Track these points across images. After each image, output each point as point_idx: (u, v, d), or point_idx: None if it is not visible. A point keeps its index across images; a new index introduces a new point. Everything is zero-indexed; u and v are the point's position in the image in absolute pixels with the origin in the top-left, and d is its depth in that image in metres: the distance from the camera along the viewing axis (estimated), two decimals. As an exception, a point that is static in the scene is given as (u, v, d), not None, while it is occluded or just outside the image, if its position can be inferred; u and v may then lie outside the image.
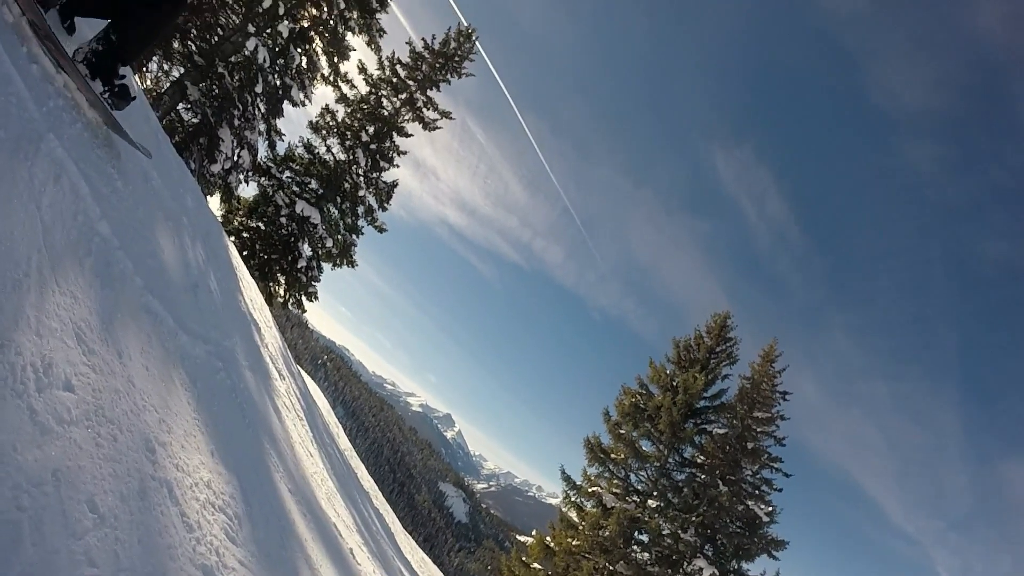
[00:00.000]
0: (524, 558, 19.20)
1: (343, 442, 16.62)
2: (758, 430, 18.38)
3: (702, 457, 18.50)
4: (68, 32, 3.29)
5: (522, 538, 21.45)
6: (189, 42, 15.49)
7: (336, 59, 18.79)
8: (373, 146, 20.26)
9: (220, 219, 19.06)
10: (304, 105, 18.65)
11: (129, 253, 3.20)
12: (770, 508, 17.76)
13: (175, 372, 2.91)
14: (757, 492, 18.14)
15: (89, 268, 2.44)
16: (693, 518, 17.23)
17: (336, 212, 20.05)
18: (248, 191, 20.90)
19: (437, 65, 20.55)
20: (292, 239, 19.39)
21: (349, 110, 20.46)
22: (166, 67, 16.18)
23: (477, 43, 20.88)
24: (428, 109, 20.79)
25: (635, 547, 18.05)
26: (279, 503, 3.64)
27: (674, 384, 19.00)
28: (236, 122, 16.64)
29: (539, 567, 18.80)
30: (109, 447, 1.84)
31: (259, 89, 16.64)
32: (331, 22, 17.57)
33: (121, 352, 2.32)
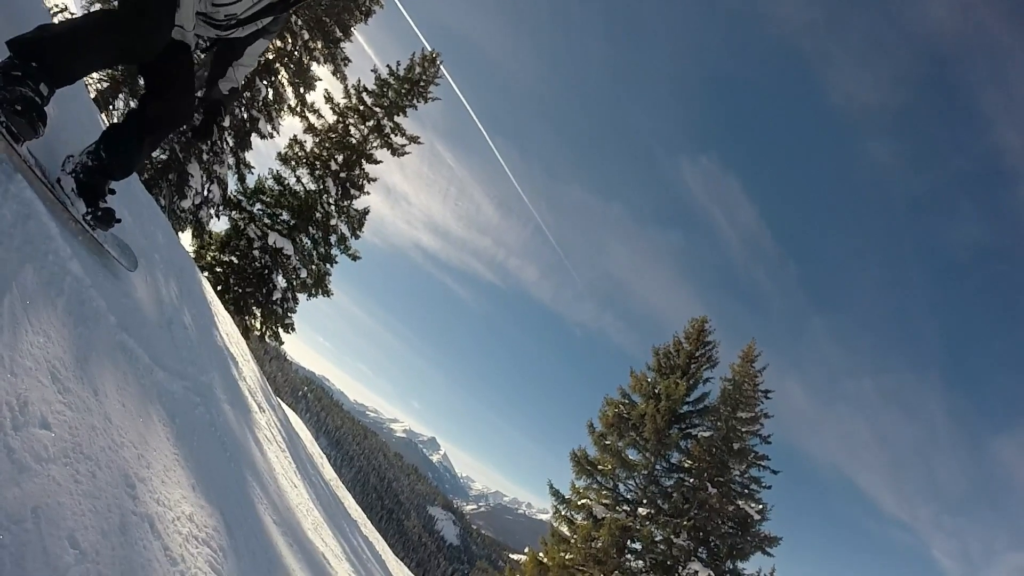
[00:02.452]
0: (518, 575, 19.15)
1: (328, 472, 16.49)
2: (743, 430, 18.53)
3: (689, 461, 18.61)
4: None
5: (515, 556, 21.42)
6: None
7: (302, 90, 18.85)
8: (343, 174, 20.26)
9: (193, 254, 18.94)
10: (272, 137, 18.66)
11: (101, 291, 3.20)
12: (761, 506, 17.89)
13: (152, 408, 2.90)
14: (746, 491, 18.27)
15: (62, 307, 2.44)
16: (685, 522, 17.30)
17: (309, 242, 19.99)
18: (219, 225, 20.82)
19: (403, 91, 20.64)
20: (266, 271, 19.30)
21: (317, 140, 20.47)
22: (132, 104, 16.12)
23: (442, 68, 21.05)
24: (396, 135, 20.86)
25: (629, 556, 18.07)
26: (264, 535, 3.62)
27: (656, 392, 19.12)
28: (205, 157, 16.61)
29: (534, 584, 18.76)
30: (88, 483, 1.84)
31: (226, 122, 16.62)
32: (296, 53, 17.65)
33: (97, 390, 2.32)
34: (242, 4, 3.16)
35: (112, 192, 3.28)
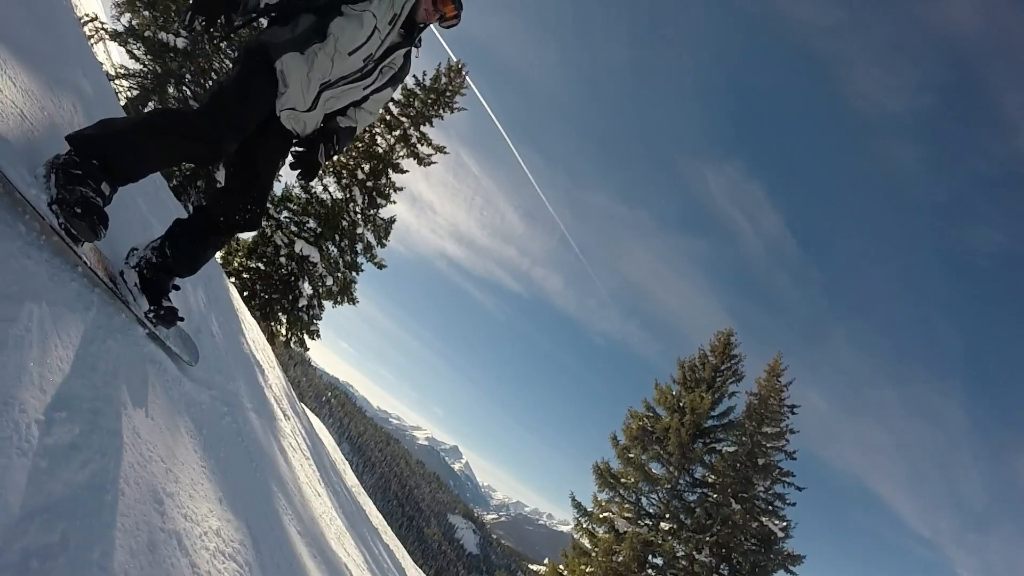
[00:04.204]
0: (538, 588, 19.06)
1: (350, 479, 16.52)
2: (768, 445, 18.33)
3: (713, 476, 18.43)
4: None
5: (535, 567, 21.32)
6: (184, 87, 15.68)
7: (330, 99, 19.00)
8: (369, 183, 20.38)
9: (220, 261, 19.13)
10: (300, 141, 18.81)
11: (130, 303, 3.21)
12: (784, 523, 17.67)
13: (180, 420, 2.90)
14: (770, 508, 18.05)
15: (91, 321, 2.45)
16: (707, 538, 17.12)
17: (335, 250, 20.12)
18: (247, 233, 21.04)
19: (429, 101, 20.75)
20: (292, 278, 19.45)
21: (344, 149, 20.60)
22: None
23: (467, 78, 21.12)
24: (422, 144, 20.97)
25: (650, 571, 17.92)
26: (289, 547, 3.61)
27: (681, 405, 18.97)
28: (232, 165, 16.79)
29: (553, 596, 18.66)
30: (116, 502, 1.83)
31: (335, 158, 16.81)
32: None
33: (126, 404, 2.32)
34: (373, 40, 3.18)
35: (176, 288, 3.28)
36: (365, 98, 3.41)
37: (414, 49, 3.48)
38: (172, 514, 2.12)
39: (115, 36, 15.70)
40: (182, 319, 3.23)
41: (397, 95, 20.64)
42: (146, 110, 3.22)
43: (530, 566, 22.35)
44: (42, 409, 1.73)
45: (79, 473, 1.73)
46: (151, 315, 3.02)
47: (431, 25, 3.47)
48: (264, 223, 19.49)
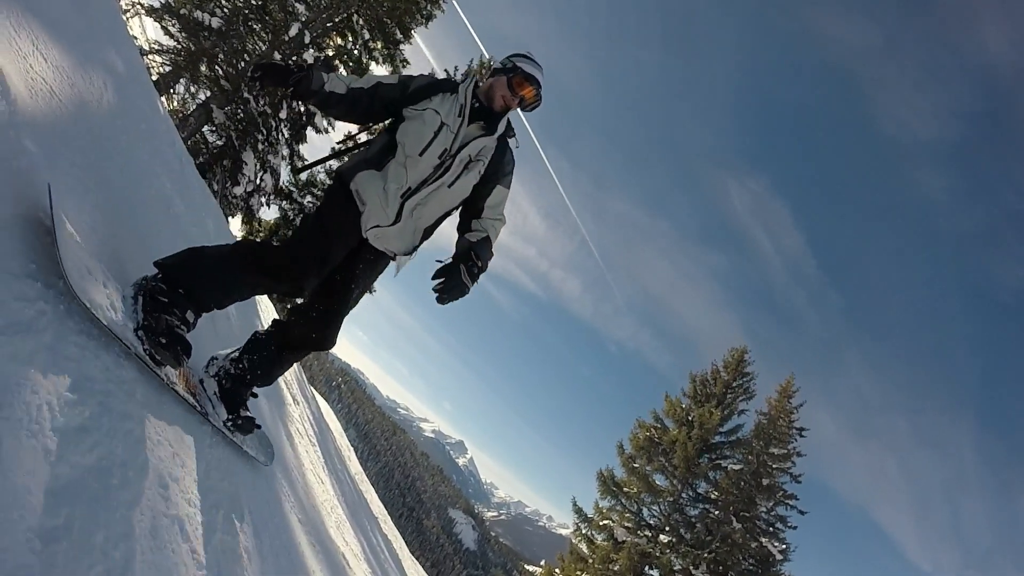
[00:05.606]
0: (532, 590, 19.07)
1: (354, 466, 16.58)
2: (774, 466, 18.23)
3: (716, 493, 18.34)
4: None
5: (531, 568, 21.35)
6: (217, 66, 15.77)
7: (360, 88, 19.06)
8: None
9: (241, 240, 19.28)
10: (327, 132, 18.88)
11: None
12: (784, 546, 17.58)
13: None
14: (771, 529, 17.95)
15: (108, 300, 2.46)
16: (705, 554, 17.04)
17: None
18: (269, 214, 21.07)
19: (458, 95, 20.76)
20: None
21: (371, 137, 20.64)
22: (193, 89, 16.47)
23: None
24: (449, 143, 20.99)
25: (646, 582, 17.86)
26: (289, 535, 3.63)
27: (690, 419, 18.91)
28: (260, 146, 16.87)
29: (547, 599, 18.66)
30: (122, 487, 1.84)
31: (283, 115, 16.87)
32: (356, 51, 17.83)
33: (137, 388, 2.33)
34: (442, 136, 3.16)
35: (255, 396, 3.38)
36: (480, 209, 3.32)
37: (511, 140, 3.46)
38: (176, 499, 2.14)
39: (151, 11, 15.82)
40: (259, 427, 3.34)
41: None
42: (234, 242, 3.27)
43: (526, 567, 22.35)
44: (53, 391, 1.75)
45: (87, 456, 1.74)
46: (229, 423, 3.13)
47: (515, 110, 3.40)
48: (287, 206, 19.61)
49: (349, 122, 3.56)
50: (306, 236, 3.07)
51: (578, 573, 18.32)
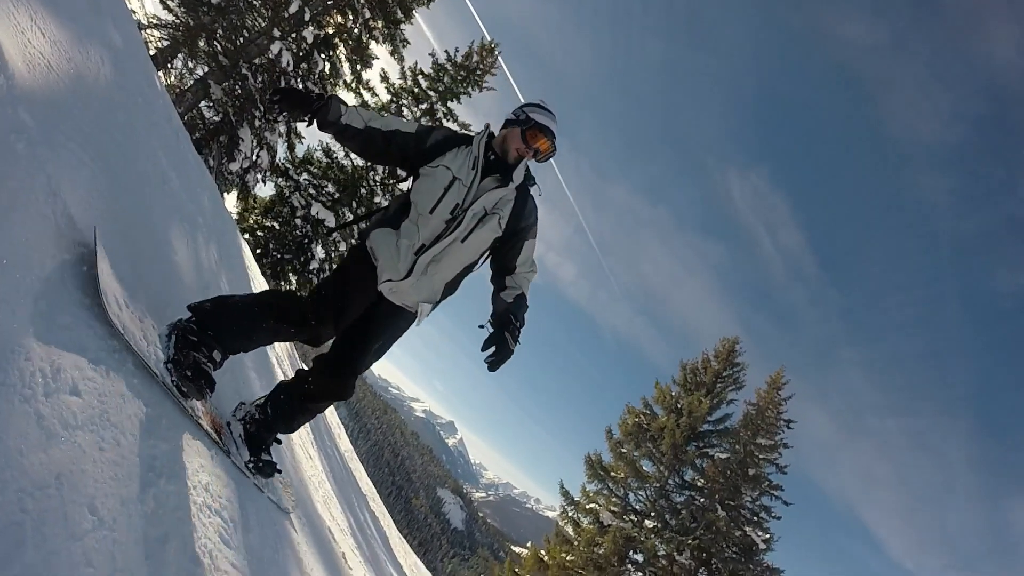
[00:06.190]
0: (517, 570, 19.26)
1: (344, 443, 16.68)
2: (760, 457, 18.36)
3: (702, 480, 18.49)
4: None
5: (517, 549, 21.49)
6: (215, 42, 15.71)
7: (359, 67, 18.99)
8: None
9: (236, 216, 19.25)
10: (325, 113, 18.85)
11: (144, 255, 3.29)
12: (767, 536, 17.74)
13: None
14: (755, 519, 18.11)
15: (102, 272, 2.52)
16: (689, 541, 17.21)
17: (351, 216, 20.17)
18: (265, 191, 21.03)
19: (459, 78, 20.64)
20: (306, 240, 19.54)
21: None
22: (190, 65, 16.41)
23: (500, 58, 20.99)
24: (448, 121, 20.90)
25: (629, 566, 18.03)
26: (275, 508, 3.70)
27: (679, 406, 19.02)
28: (257, 123, 16.85)
29: (531, 580, 18.83)
30: (112, 451, 1.90)
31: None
32: (356, 30, 17.78)
33: (129, 358, 2.39)
34: (454, 191, 3.25)
35: (278, 442, 3.58)
36: (514, 268, 3.45)
37: (533, 188, 3.52)
38: (163, 467, 2.20)
39: (151, -15, 15.76)
40: (279, 471, 3.51)
41: (427, 68, 20.59)
42: (259, 291, 3.41)
43: (513, 548, 22.50)
44: (47, 357, 1.81)
45: (77, 419, 1.80)
46: (250, 465, 3.28)
47: (530, 160, 3.46)
48: (283, 183, 19.60)
49: (363, 158, 3.69)
50: (325, 289, 3.29)
51: (563, 555, 18.46)
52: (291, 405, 3.41)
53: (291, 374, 3.61)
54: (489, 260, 3.53)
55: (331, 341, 3.40)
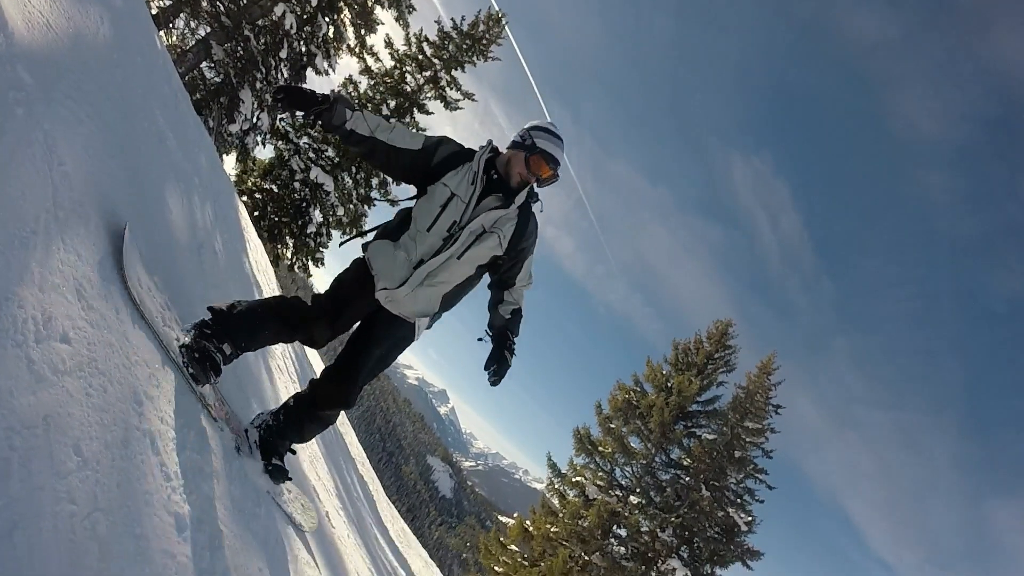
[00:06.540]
0: (502, 539, 19.44)
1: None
2: (747, 440, 18.48)
3: (688, 460, 18.62)
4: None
5: (503, 519, 21.63)
6: (217, 2, 15.59)
7: (363, 31, 18.87)
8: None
9: (235, 178, 19.22)
10: (327, 74, 18.76)
11: (138, 213, 3.35)
12: (750, 518, 17.90)
13: (171, 330, 3.05)
14: (739, 501, 18.27)
15: (95, 227, 2.58)
16: (672, 519, 17.39)
17: (350, 181, 20.10)
18: (264, 153, 20.99)
19: (464, 46, 20.47)
20: (304, 204, 19.54)
21: (372, 83, 20.46)
22: (192, 25, 16.29)
23: (507, 28, 20.81)
24: (451, 89, 20.76)
25: (612, 540, 18.21)
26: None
27: (669, 385, 19.11)
28: (258, 85, 16.79)
29: (516, 549, 19.02)
30: (99, 397, 1.98)
31: (284, 54, 16.76)
32: (362, -11, 17.64)
33: (119, 309, 2.46)
34: (451, 208, 3.36)
35: (293, 452, 3.73)
36: (513, 284, 3.66)
37: (535, 205, 3.61)
38: (150, 416, 2.28)
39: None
40: (290, 478, 3.64)
41: (433, 36, 20.43)
42: (268, 296, 3.60)
43: (500, 517, 22.67)
44: (39, 306, 1.89)
45: (66, 364, 1.89)
46: (261, 470, 3.45)
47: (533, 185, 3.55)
48: (283, 146, 19.54)
49: (368, 163, 3.82)
50: (323, 294, 3.50)
51: (548, 526, 18.63)
52: (300, 413, 3.55)
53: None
54: (489, 272, 3.65)
55: (338, 355, 3.57)
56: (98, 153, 2.99)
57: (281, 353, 7.31)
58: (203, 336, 3.02)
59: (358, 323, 3.54)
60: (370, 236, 3.55)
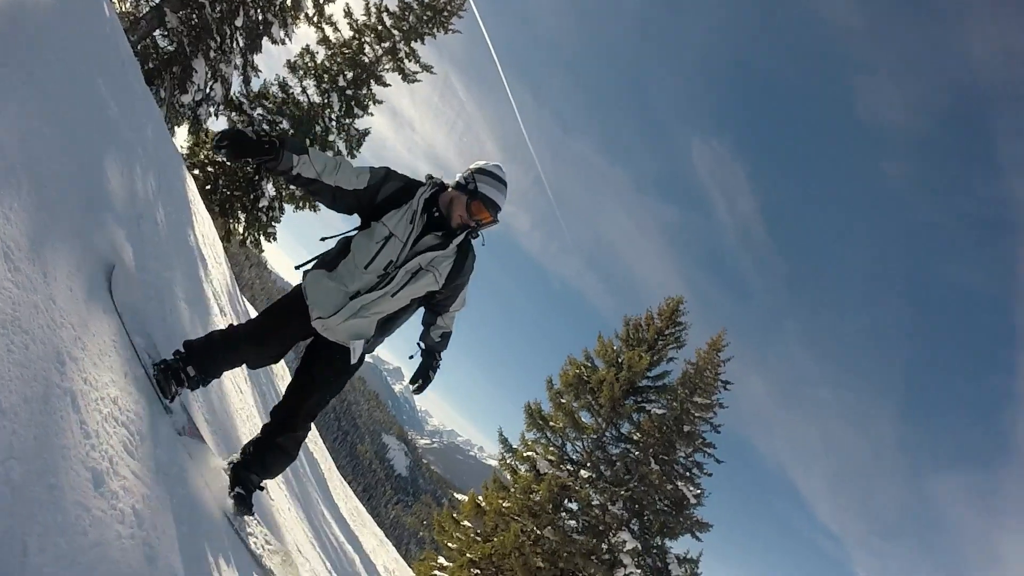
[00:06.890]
0: (455, 515, 19.59)
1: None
2: (696, 415, 18.79)
3: (638, 434, 18.89)
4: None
5: (459, 496, 21.77)
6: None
7: (322, 0, 18.60)
8: (349, 92, 20.09)
9: (186, 151, 18.87)
10: (284, 43, 18.48)
11: (73, 181, 3.36)
12: (699, 491, 18.27)
13: (101, 295, 3.08)
14: (688, 474, 18.62)
15: (27, 191, 2.61)
16: (623, 492, 17.67)
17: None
18: (218, 125, 20.67)
19: (425, 18, 20.29)
20: (256, 177, 19.29)
21: (329, 53, 20.21)
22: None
23: (470, 0, 20.65)
24: (410, 61, 20.59)
25: (563, 514, 18.44)
26: (193, 432, 3.77)
27: (619, 360, 19.34)
28: (212, 54, 16.48)
29: (469, 525, 19.18)
30: (20, 354, 2.03)
31: (239, 23, 16.48)
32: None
33: (47, 272, 2.51)
34: (389, 248, 3.48)
35: (261, 488, 3.82)
36: (448, 310, 3.88)
37: (475, 240, 3.72)
38: (72, 376, 2.33)
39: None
40: (251, 513, 3.72)
41: (393, 6, 20.20)
42: (220, 329, 3.73)
43: (456, 495, 22.78)
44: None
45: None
46: (231, 494, 3.57)
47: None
48: (236, 117, 19.22)
49: (315, 200, 3.94)
50: (256, 320, 3.73)
51: (500, 501, 18.79)
52: (262, 441, 3.69)
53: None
54: (424, 303, 3.83)
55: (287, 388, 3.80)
56: (32, 120, 3.01)
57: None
58: (176, 358, 3.42)
59: (305, 350, 3.75)
60: (309, 265, 3.66)
